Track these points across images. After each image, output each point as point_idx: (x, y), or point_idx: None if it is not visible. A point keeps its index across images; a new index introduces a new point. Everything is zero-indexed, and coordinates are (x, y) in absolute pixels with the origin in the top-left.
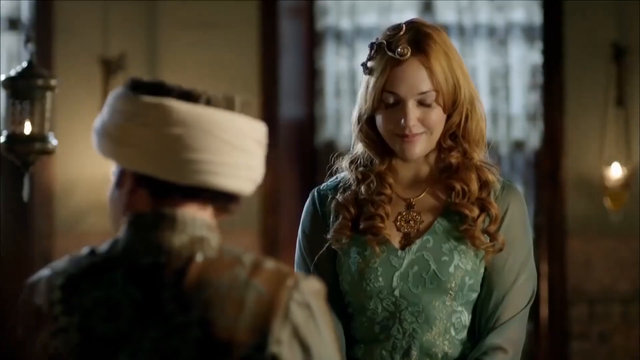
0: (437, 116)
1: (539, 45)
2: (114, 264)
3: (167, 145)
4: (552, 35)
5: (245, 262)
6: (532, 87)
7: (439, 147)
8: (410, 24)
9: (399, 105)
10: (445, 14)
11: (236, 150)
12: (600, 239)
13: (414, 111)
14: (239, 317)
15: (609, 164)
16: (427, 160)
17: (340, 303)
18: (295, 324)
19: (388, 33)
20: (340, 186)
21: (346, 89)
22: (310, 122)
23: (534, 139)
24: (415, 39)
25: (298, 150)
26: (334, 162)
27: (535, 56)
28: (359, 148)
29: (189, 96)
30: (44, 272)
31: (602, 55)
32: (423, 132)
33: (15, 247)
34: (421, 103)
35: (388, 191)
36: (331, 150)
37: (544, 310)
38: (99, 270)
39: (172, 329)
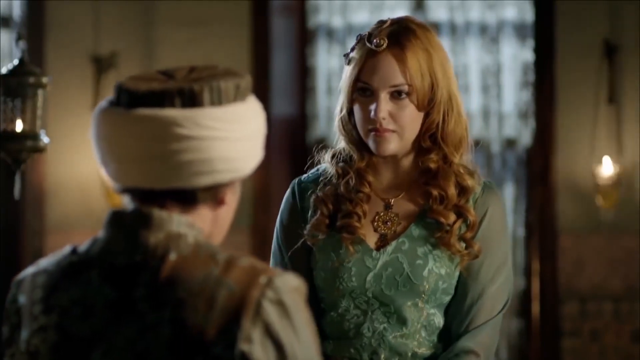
0: (410, 114)
1: (530, 43)
2: (90, 263)
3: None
4: (544, 33)
5: (219, 260)
6: (524, 84)
7: (419, 148)
8: (398, 19)
9: (372, 97)
10: (437, 11)
11: (239, 141)
12: (592, 237)
13: (385, 103)
14: (209, 315)
15: (601, 161)
16: (407, 161)
17: (313, 298)
18: (268, 322)
19: (373, 26)
20: (321, 180)
21: (338, 86)
22: (301, 119)
23: (525, 136)
24: (395, 32)
25: (289, 148)
26: (318, 153)
27: (526, 54)
28: (342, 142)
29: (193, 101)
30: (30, 269)
31: (594, 53)
32: (394, 130)
33: (6, 244)
34: (394, 97)
35: (366, 189)
36: (323, 148)
37: (536, 308)
38: (77, 270)
39: (144, 328)
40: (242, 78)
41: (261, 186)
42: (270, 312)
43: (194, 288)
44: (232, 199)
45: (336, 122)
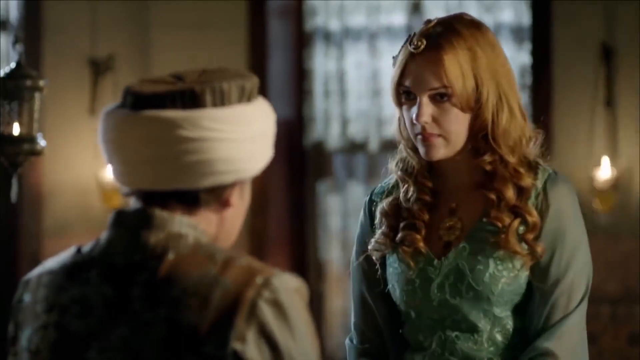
0: (454, 117)
1: (527, 46)
2: (92, 263)
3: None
4: (541, 36)
5: (217, 260)
6: (521, 87)
7: (474, 149)
8: (444, 18)
9: (416, 99)
10: (434, 14)
11: (242, 142)
12: (589, 240)
13: (426, 107)
14: (203, 314)
15: (598, 164)
16: (464, 162)
17: (393, 308)
18: (263, 323)
19: (421, 26)
20: (385, 190)
21: (335, 89)
22: (298, 122)
23: None
24: (436, 33)
25: (287, 151)
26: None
27: (524, 57)
28: (402, 149)
29: (195, 102)
30: (37, 270)
31: (591, 56)
32: (439, 134)
33: (3, 247)
34: (436, 100)
35: (426, 197)
36: (320, 150)
37: None
38: (79, 269)
39: (139, 327)
40: (248, 80)
41: (258, 189)
42: (267, 312)
43: (190, 287)
44: (239, 201)
45: (394, 127)
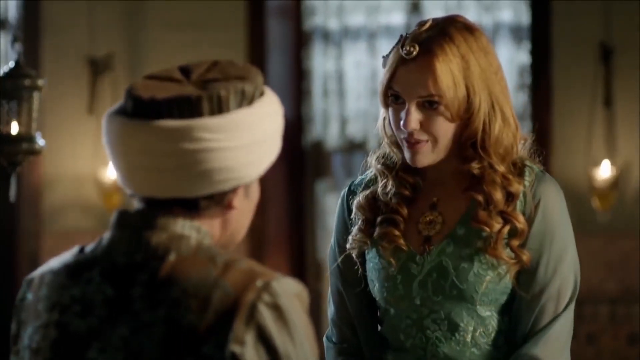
0: (442, 124)
1: (526, 46)
2: (94, 262)
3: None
4: (540, 35)
5: (217, 262)
6: (520, 87)
7: (462, 156)
8: (438, 21)
9: (404, 104)
10: (433, 14)
11: (240, 149)
12: (588, 239)
13: (415, 114)
14: (203, 316)
15: (597, 164)
16: (450, 164)
17: (372, 305)
18: (262, 326)
19: (414, 27)
20: (363, 183)
21: (334, 89)
22: (297, 122)
23: None
24: (429, 38)
25: (285, 151)
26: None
27: (523, 56)
28: (385, 144)
29: (185, 112)
30: (40, 269)
31: (590, 56)
32: (427, 140)
33: (2, 247)
34: (425, 107)
35: (406, 192)
36: (319, 150)
37: None
38: (81, 268)
39: (139, 327)
40: (249, 82)
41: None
42: (266, 315)
43: (190, 288)
44: (243, 202)
45: (379, 123)
